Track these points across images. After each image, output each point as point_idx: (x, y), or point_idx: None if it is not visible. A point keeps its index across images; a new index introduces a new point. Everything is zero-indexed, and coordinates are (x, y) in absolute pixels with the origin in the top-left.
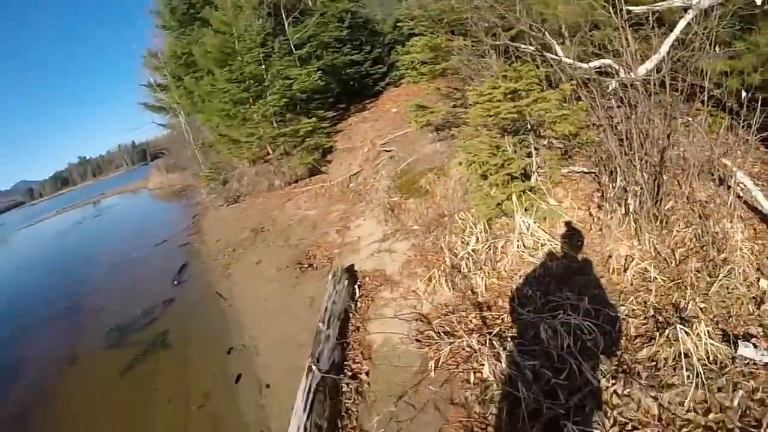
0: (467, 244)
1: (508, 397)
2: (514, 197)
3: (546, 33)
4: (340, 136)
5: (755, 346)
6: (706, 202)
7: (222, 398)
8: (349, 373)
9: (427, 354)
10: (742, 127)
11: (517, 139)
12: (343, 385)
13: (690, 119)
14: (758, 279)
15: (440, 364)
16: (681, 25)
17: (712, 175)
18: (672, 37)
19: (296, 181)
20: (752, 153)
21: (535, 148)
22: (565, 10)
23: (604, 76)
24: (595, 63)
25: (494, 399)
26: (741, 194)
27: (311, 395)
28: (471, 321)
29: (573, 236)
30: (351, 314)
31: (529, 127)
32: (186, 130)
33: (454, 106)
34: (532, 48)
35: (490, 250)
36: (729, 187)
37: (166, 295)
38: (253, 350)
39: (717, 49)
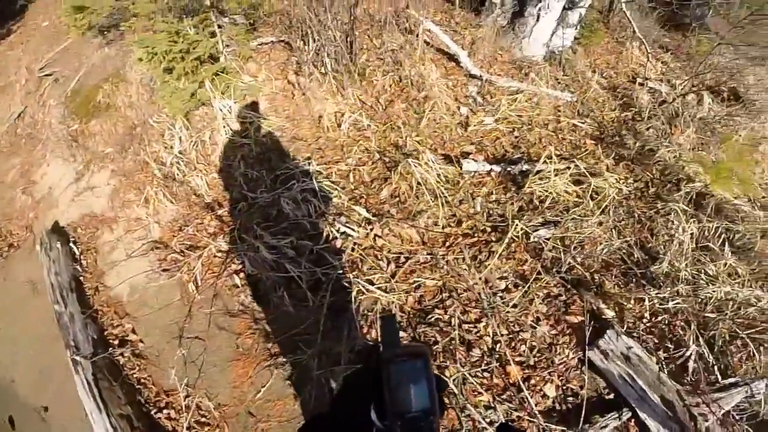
0: (172, 147)
1: (282, 281)
2: (207, 83)
3: None
4: None
5: (475, 161)
6: (398, 49)
7: None
8: (117, 342)
9: (181, 279)
10: None
11: (198, 20)
12: (118, 358)
13: None
14: (459, 107)
15: (200, 282)
16: None
17: (399, 26)
18: None
19: None
20: (434, 5)
21: (219, 26)
22: None
23: None
24: None
25: (270, 289)
26: (428, 40)
27: (95, 389)
28: (209, 225)
29: (279, 107)
30: (82, 278)
31: (208, 4)
32: None
33: None
34: None
35: (198, 146)
36: (417, 35)
37: None
38: (6, 382)
39: None
